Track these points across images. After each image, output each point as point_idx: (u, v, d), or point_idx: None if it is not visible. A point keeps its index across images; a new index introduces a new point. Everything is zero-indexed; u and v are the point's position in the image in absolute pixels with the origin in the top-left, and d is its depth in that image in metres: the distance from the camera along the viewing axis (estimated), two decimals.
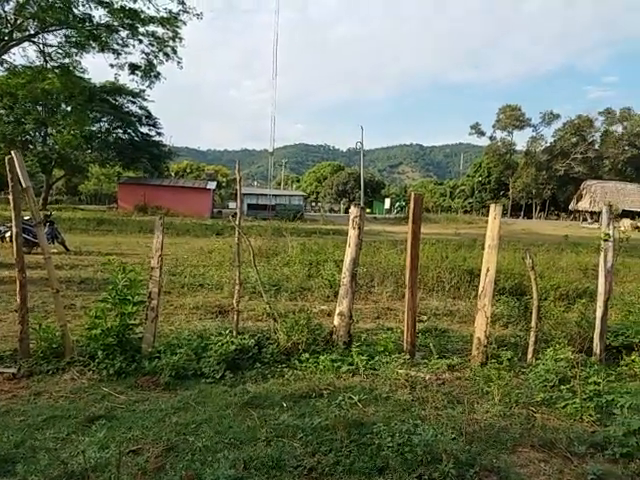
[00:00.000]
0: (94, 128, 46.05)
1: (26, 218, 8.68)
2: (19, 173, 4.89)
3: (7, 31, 26.51)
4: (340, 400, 3.55)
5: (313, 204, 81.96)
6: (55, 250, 12.86)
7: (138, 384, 4.36)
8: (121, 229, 21.72)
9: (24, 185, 4.93)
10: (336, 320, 5.50)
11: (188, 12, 29.32)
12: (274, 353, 5.05)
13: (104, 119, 46.52)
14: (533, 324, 5.19)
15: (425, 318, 6.98)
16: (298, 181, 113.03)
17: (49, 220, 13.60)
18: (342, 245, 13.19)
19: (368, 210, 47.88)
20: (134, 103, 47.06)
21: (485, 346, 5.12)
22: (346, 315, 5.44)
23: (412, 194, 5.43)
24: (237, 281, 5.69)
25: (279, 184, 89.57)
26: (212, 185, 47.52)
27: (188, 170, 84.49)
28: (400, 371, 4.61)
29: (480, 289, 5.26)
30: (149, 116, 48.55)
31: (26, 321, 4.77)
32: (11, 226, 10.35)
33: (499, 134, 72.51)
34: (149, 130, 49.24)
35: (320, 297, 8.33)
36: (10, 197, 4.97)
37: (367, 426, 3.50)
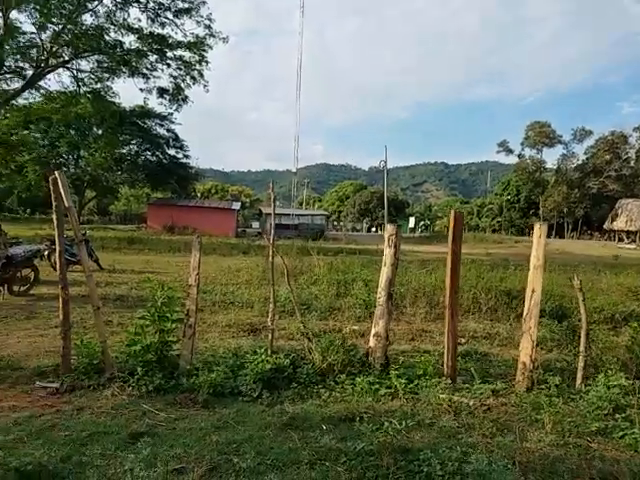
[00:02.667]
0: (124, 150, 47.56)
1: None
2: (62, 193, 4.98)
3: (44, 58, 27.75)
4: (387, 426, 3.42)
5: (335, 223, 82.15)
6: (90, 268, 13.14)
7: (177, 401, 4.35)
8: (151, 248, 22.11)
9: (66, 204, 5.00)
10: (372, 341, 5.39)
11: (214, 36, 30.13)
12: (309, 373, 4.96)
13: (133, 142, 47.99)
14: (582, 348, 4.97)
15: (463, 341, 6.79)
16: (320, 200, 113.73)
17: (84, 239, 13.97)
18: (369, 264, 13.15)
19: None
20: (162, 126, 48.47)
21: (531, 371, 4.92)
22: (382, 336, 5.33)
23: (452, 212, 5.31)
24: (271, 299, 5.66)
25: (301, 204, 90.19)
26: (236, 205, 48.27)
27: (213, 191, 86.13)
28: (442, 396, 4.46)
29: (525, 311, 5.09)
30: (176, 139, 49.82)
31: (69, 337, 4.83)
32: (50, 245, 10.77)
33: (528, 152, 71.13)
34: (176, 152, 50.49)
35: (351, 317, 8.21)
36: (53, 216, 5.05)
37: (413, 453, 3.37)
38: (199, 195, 72.68)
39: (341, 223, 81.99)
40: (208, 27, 29.65)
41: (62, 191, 4.99)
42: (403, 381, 4.64)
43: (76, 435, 3.53)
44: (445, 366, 5.07)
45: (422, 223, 63.84)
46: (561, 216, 68.60)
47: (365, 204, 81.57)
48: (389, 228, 5.50)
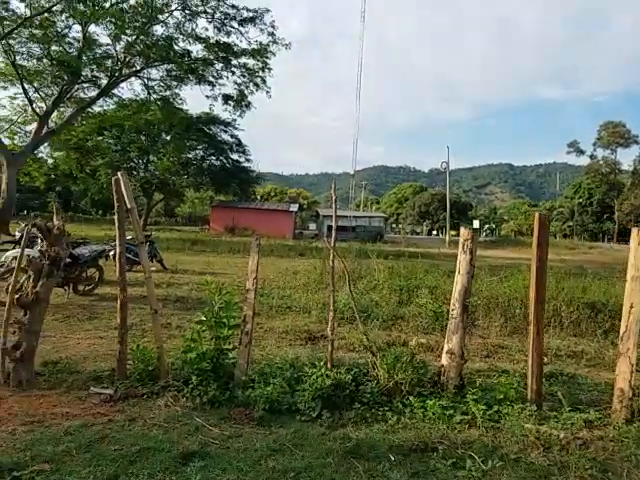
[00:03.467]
0: (190, 155, 49.28)
1: (128, 238, 9.18)
2: (124, 194, 4.91)
3: (117, 68, 29.37)
4: (469, 465, 2.93)
5: (393, 226, 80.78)
6: (154, 268, 13.47)
7: (231, 416, 4.07)
8: (213, 249, 22.56)
9: (129, 206, 4.94)
10: (445, 359, 4.86)
11: (277, 43, 30.51)
12: (374, 393, 4.49)
13: (199, 147, 49.60)
14: None
15: (546, 360, 6.07)
16: (378, 203, 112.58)
17: (149, 240, 14.36)
18: (432, 269, 12.47)
19: (453, 232, 45.91)
20: (226, 132, 49.67)
21: (630, 399, 4.22)
22: (457, 354, 4.78)
23: (537, 215, 4.72)
24: (331, 307, 5.28)
25: (358, 206, 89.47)
26: (294, 207, 48.71)
27: (272, 194, 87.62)
28: (527, 425, 3.87)
29: (622, 329, 4.38)
30: (239, 144, 50.91)
31: (125, 341, 4.72)
32: (115, 245, 11.08)
33: (600, 152, 66.89)
34: (239, 157, 51.58)
35: (416, 328, 7.66)
36: (115, 217, 5.01)
37: None
38: (259, 198, 74.09)
39: (400, 226, 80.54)
40: (271, 34, 30.11)
41: (124, 192, 4.92)
42: (481, 407, 4.08)
43: (126, 450, 3.32)
44: (529, 389, 4.46)
45: (487, 226, 61.31)
46: (639, 221, 63.45)
47: (425, 206, 79.46)
48: (464, 232, 4.97)
